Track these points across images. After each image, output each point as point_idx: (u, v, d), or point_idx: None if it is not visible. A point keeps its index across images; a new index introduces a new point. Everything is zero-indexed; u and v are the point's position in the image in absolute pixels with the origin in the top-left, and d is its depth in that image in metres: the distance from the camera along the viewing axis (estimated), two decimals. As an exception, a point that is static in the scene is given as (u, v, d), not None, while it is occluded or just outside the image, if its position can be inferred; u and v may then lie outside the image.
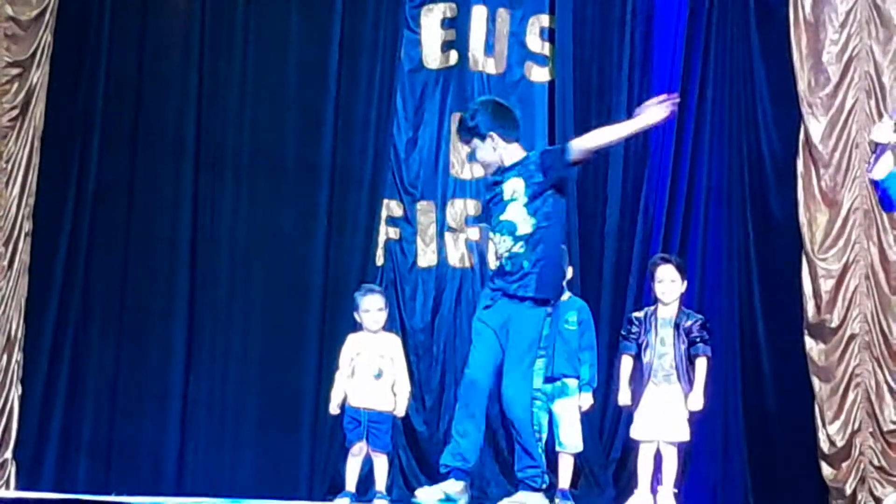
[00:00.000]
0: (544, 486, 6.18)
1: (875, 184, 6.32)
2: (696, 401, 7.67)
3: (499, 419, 8.82)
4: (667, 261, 7.89)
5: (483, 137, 6.23)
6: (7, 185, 8.67)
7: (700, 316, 7.85)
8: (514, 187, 6.14)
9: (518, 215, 6.10)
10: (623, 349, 7.84)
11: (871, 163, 6.35)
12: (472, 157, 8.94)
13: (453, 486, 6.06)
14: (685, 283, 7.89)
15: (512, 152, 6.24)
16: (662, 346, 7.73)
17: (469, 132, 6.27)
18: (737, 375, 8.79)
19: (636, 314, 7.93)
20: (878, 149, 6.26)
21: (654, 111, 6.12)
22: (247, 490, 8.45)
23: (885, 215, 8.44)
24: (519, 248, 6.09)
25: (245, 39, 9.13)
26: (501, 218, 6.15)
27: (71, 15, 8.86)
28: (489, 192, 6.31)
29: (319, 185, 9.01)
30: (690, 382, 7.68)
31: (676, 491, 7.74)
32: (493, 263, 6.20)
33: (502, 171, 6.22)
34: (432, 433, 8.93)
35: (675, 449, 7.71)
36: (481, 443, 6.20)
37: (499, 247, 6.17)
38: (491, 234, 6.23)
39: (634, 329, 7.80)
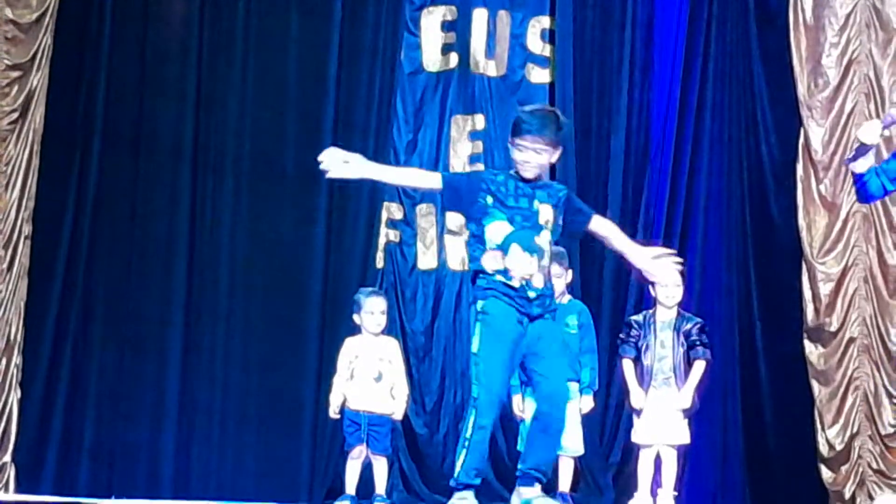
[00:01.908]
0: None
1: (855, 175, 6.39)
2: (685, 399, 7.67)
3: (497, 421, 8.90)
4: None
5: (556, 146, 6.00)
6: (7, 188, 8.65)
7: (699, 319, 7.86)
8: (549, 216, 5.95)
9: (546, 245, 5.95)
10: (622, 353, 7.85)
11: (852, 157, 6.40)
12: (475, 158, 9.07)
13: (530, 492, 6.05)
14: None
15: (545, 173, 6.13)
16: (662, 349, 7.75)
17: (556, 136, 5.97)
18: (736, 379, 8.81)
19: (634, 318, 7.95)
20: (861, 147, 6.32)
21: (658, 269, 5.97)
22: (247, 493, 8.46)
23: (884, 219, 8.48)
24: (540, 280, 5.96)
25: (245, 43, 9.13)
26: (536, 240, 5.92)
27: (71, 18, 8.85)
28: (513, 197, 5.97)
29: (319, 189, 8.99)
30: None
31: (676, 494, 7.76)
32: (516, 280, 6.04)
33: (533, 186, 5.98)
34: (432, 436, 8.94)
35: (675, 452, 7.73)
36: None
37: (524, 266, 5.91)
38: (519, 248, 5.94)
39: (633, 333, 7.82)
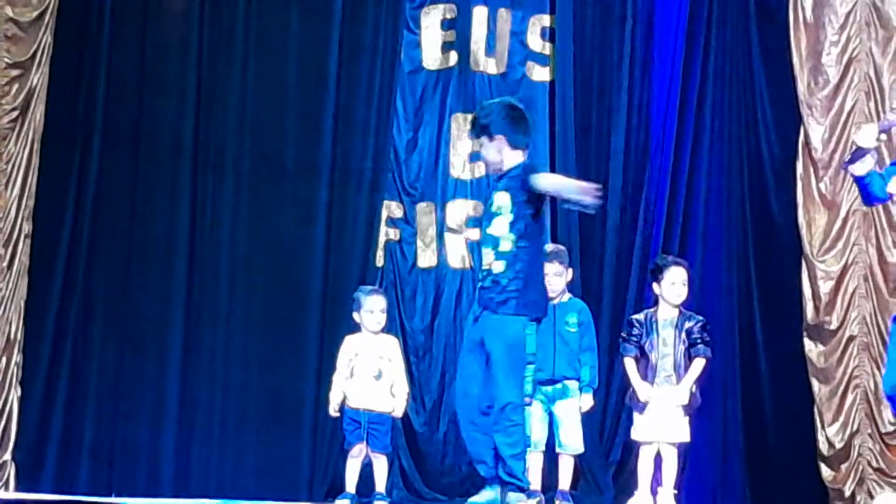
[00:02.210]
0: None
1: (856, 178, 6.41)
2: (682, 395, 7.69)
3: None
4: (679, 263, 7.91)
5: (491, 137, 6.15)
6: (7, 187, 8.63)
7: (701, 318, 7.88)
8: (501, 201, 6.09)
9: (502, 231, 6.05)
10: (624, 351, 7.87)
11: (849, 160, 6.40)
12: (475, 156, 9.07)
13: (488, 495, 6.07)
14: None
15: (513, 159, 6.17)
16: (665, 347, 7.77)
17: (479, 129, 6.20)
18: (736, 377, 8.82)
19: (636, 316, 7.95)
20: (858, 150, 6.33)
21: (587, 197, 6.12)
22: (247, 492, 8.44)
23: (883, 217, 8.49)
24: (500, 265, 6.05)
25: (245, 41, 9.12)
26: (487, 230, 6.12)
27: (71, 16, 8.82)
28: (489, 197, 6.29)
29: (319, 187, 9.01)
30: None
31: (676, 492, 7.76)
32: (480, 273, 6.22)
33: (497, 178, 6.20)
34: (432, 434, 8.95)
35: (676, 450, 7.73)
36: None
37: (485, 259, 6.13)
38: (480, 244, 6.25)
39: (635, 331, 7.83)
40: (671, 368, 7.73)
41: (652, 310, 7.89)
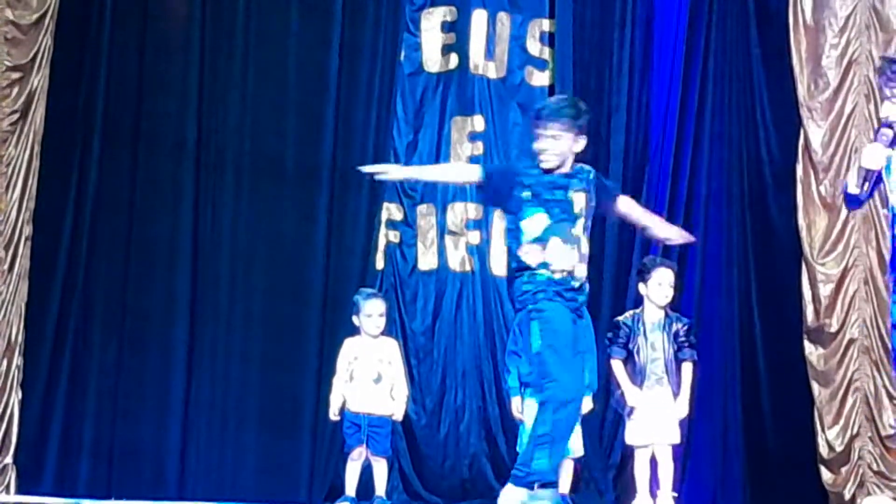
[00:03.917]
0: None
1: (846, 194, 6.42)
2: (682, 407, 7.69)
3: (498, 422, 8.93)
4: (667, 265, 7.91)
5: (578, 133, 6.00)
6: (7, 189, 8.66)
7: (687, 319, 7.88)
8: (582, 203, 5.96)
9: (583, 233, 5.96)
10: (612, 353, 7.81)
11: (860, 187, 6.36)
12: (475, 159, 9.04)
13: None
14: None
15: (572, 161, 6.07)
16: (653, 352, 7.75)
17: (572, 121, 5.99)
18: (736, 380, 8.81)
19: (621, 318, 7.91)
20: (868, 174, 6.29)
21: (674, 235, 6.34)
22: (247, 495, 8.49)
23: (883, 220, 8.45)
24: (581, 266, 5.96)
25: (245, 43, 9.13)
26: (572, 231, 5.93)
27: (71, 18, 8.85)
28: (549, 189, 5.98)
29: (319, 189, 9.02)
30: (679, 385, 7.71)
31: (676, 495, 7.76)
32: (558, 273, 5.94)
33: (566, 176, 6.01)
34: (433, 436, 8.95)
35: (670, 452, 7.73)
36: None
37: (565, 258, 5.92)
38: (559, 241, 5.94)
39: (622, 333, 7.80)
40: (662, 372, 7.72)
41: (638, 311, 7.87)
